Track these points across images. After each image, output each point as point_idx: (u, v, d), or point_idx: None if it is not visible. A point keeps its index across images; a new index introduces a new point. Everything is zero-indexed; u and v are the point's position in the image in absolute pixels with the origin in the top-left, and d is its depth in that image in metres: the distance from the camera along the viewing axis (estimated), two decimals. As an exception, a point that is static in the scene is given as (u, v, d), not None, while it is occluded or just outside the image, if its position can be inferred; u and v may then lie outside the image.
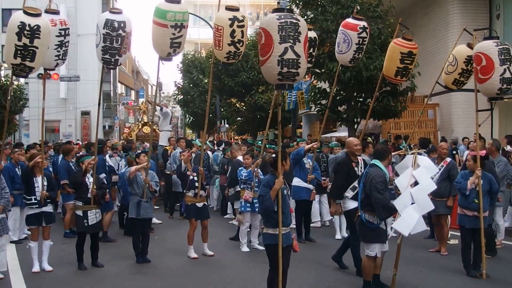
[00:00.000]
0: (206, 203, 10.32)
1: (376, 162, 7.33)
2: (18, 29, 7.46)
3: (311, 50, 9.69)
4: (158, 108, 18.57)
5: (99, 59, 8.83)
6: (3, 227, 8.64)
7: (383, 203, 7.01)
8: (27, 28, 7.47)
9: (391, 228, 7.58)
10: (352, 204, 8.52)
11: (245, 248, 10.52)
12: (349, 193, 8.69)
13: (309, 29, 9.69)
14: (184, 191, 10.24)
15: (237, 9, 8.95)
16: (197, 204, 9.94)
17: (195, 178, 9.97)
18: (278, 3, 7.71)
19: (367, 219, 7.27)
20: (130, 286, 8.36)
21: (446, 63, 10.04)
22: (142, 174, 9.78)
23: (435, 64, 18.73)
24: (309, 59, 9.66)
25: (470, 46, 9.38)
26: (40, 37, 7.60)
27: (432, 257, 9.73)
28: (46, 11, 8.46)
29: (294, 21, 6.04)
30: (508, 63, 8.47)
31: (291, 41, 5.98)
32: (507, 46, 8.56)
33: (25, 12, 7.58)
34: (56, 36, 8.46)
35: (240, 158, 11.74)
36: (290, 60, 6.00)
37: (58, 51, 8.61)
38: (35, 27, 7.51)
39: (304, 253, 7.28)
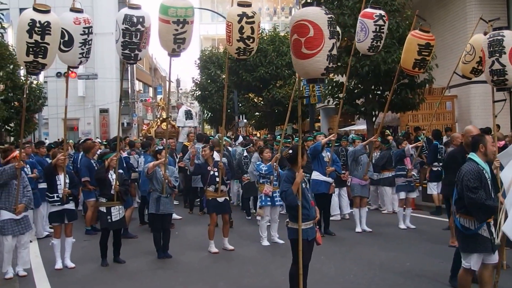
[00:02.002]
0: (227, 197, 10.40)
1: (473, 155, 6.44)
2: (29, 27, 7.56)
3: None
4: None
5: (119, 55, 8.86)
6: (26, 225, 8.78)
7: (478, 203, 6.07)
8: (38, 25, 7.56)
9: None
10: None
11: (265, 242, 10.56)
12: None
13: None
14: (205, 186, 10.31)
15: (248, 5, 8.95)
16: (218, 199, 10.02)
17: (216, 173, 10.04)
18: None
19: (463, 224, 6.35)
20: (151, 282, 8.43)
21: (463, 53, 10.01)
22: (161, 169, 9.87)
23: (453, 56, 18.54)
24: None
25: (486, 34, 9.32)
26: (51, 33, 7.69)
27: (452, 249, 9.68)
28: (71, 10, 8.55)
29: (334, 17, 6.11)
30: (497, 54, 8.23)
31: (336, 37, 6.03)
32: (498, 38, 8.33)
33: (35, 9, 7.67)
34: (81, 34, 8.54)
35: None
36: (334, 56, 6.06)
37: (82, 49, 8.68)
38: (45, 23, 7.59)
39: (323, 247, 7.26)
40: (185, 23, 8.50)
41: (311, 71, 6.07)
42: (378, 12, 10.29)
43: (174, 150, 15.11)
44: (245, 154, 13.64)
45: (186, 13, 8.47)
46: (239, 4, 8.95)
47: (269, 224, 10.76)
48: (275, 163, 10.46)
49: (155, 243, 9.83)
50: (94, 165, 11.89)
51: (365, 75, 15.95)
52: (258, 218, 12.12)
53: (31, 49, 7.69)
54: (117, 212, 9.34)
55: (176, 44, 8.68)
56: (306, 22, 5.91)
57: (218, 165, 9.95)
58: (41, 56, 7.77)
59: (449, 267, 7.70)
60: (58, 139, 29.20)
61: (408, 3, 16.92)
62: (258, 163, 11.07)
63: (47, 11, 7.73)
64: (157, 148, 10.69)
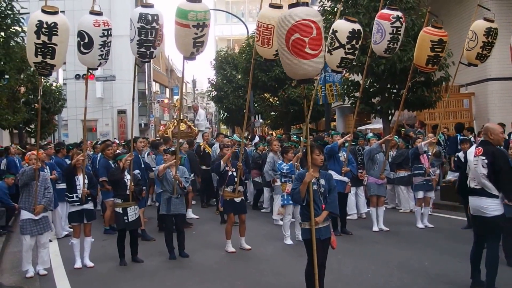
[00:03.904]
0: (243, 198, 10.44)
1: None
2: (36, 28, 7.71)
3: (353, 42, 9.65)
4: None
5: (134, 53, 8.94)
6: (45, 226, 8.93)
7: None
8: (45, 25, 7.71)
9: None
10: (499, 209, 7.12)
11: (288, 241, 10.57)
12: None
13: (353, 22, 9.66)
14: (222, 186, 10.35)
15: (280, 7, 8.83)
16: (235, 199, 10.06)
17: (234, 174, 10.09)
18: None
19: None
20: (169, 281, 8.50)
21: (466, 40, 10.07)
22: (172, 170, 9.89)
23: (470, 53, 18.46)
24: (351, 51, 9.63)
25: (487, 19, 9.39)
26: (58, 34, 7.81)
27: (470, 248, 9.63)
28: (91, 12, 8.66)
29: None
30: None
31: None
32: None
33: (43, 11, 7.82)
34: (100, 36, 8.61)
35: None
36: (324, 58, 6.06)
37: (102, 51, 8.75)
38: (52, 24, 7.73)
39: (341, 246, 7.26)
40: (204, 26, 8.48)
41: (311, 71, 5.96)
42: (395, 13, 10.19)
43: (193, 150, 15.19)
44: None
45: (205, 16, 8.43)
46: (272, 6, 8.84)
47: (293, 220, 10.76)
48: (296, 162, 10.49)
49: (166, 244, 9.83)
50: (113, 165, 12.00)
51: (380, 73, 15.93)
52: (275, 217, 12.18)
53: (39, 50, 7.86)
54: (133, 212, 9.45)
55: (195, 48, 8.65)
56: (309, 22, 5.77)
57: (237, 166, 10.00)
58: (49, 56, 7.93)
59: (468, 266, 7.61)
60: (63, 141, 29.58)
61: (424, 0, 16.84)
62: (279, 162, 11.13)
63: (55, 13, 7.88)
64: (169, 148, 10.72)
